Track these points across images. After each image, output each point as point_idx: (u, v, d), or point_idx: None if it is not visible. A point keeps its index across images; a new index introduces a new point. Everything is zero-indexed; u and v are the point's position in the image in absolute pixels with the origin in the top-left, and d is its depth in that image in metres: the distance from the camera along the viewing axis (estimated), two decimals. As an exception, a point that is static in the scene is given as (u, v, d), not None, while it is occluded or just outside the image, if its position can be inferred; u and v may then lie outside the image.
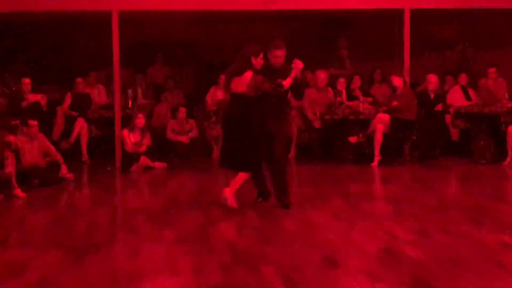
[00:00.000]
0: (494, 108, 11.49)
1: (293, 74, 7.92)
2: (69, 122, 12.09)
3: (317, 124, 12.00)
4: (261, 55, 7.95)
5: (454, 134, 12.20)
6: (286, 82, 7.85)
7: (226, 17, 13.65)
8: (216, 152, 12.45)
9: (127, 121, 11.67)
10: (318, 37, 14.93)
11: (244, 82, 7.75)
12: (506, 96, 12.19)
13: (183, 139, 12.13)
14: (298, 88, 8.35)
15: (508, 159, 11.15)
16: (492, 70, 12.18)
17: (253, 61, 7.84)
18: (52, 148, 10.36)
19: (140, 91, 13.29)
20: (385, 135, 11.43)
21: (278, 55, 8.14)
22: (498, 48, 13.77)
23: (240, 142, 7.89)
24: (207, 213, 8.06)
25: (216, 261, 6.12)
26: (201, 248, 6.58)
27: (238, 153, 7.92)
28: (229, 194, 8.05)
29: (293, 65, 7.96)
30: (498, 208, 8.15)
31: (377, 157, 11.38)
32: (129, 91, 13.08)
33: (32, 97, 11.66)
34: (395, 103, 11.55)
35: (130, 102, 12.85)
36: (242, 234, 7.11)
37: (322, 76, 12.27)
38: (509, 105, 11.81)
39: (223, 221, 7.67)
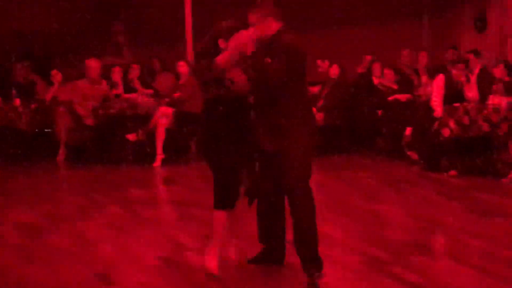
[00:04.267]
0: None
1: None
2: None
3: (89, 121, 11.83)
4: None
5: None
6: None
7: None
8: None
9: None
10: (90, 20, 14.75)
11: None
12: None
13: None
14: None
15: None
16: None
17: None
18: None
19: None
20: (168, 131, 11.53)
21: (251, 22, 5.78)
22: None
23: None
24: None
25: (-35, 288, 5.92)
26: None
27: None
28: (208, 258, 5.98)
29: None
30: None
31: (159, 156, 11.43)
32: None
33: None
34: (178, 94, 11.70)
35: None
36: (1, 254, 6.91)
37: (94, 65, 12.11)
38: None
39: (-25, 239, 7.41)
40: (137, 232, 7.63)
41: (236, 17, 5.94)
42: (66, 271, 6.32)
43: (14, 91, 12.28)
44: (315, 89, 12.46)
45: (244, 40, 5.53)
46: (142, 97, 12.11)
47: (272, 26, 5.65)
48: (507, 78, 10.04)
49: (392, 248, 6.76)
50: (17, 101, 12.12)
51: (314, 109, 11.84)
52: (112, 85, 12.30)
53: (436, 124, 10.15)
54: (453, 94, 10.33)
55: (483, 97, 10.09)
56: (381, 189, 9.48)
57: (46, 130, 12.28)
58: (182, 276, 6.14)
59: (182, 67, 11.88)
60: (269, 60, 5.48)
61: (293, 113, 5.65)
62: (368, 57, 12.83)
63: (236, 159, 5.75)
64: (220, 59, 5.51)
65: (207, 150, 5.88)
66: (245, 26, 5.68)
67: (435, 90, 10.58)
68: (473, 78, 10.46)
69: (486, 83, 10.25)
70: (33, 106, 12.17)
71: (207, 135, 5.85)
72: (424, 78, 11.88)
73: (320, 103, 12.00)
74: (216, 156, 5.77)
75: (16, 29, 14.04)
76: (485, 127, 9.73)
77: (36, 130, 12.25)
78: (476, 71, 10.53)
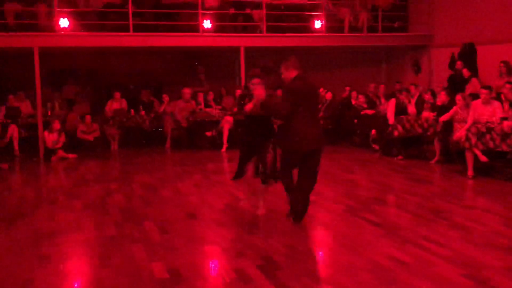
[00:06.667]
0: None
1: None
2: (4, 127, 11.31)
3: (184, 124, 11.93)
4: None
5: (276, 127, 12.46)
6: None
7: (118, 51, 13.27)
8: (113, 145, 12.09)
9: (47, 125, 11.07)
10: (184, 65, 14.81)
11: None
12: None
13: (89, 137, 11.69)
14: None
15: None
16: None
17: None
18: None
19: (57, 104, 12.66)
20: (230, 130, 11.55)
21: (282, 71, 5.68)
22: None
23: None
24: (106, 188, 7.84)
25: (111, 220, 6.01)
26: (100, 212, 6.42)
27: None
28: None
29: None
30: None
31: (225, 145, 11.46)
32: (49, 104, 12.45)
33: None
34: (235, 109, 11.71)
35: (49, 112, 12.23)
36: (131, 200, 7.01)
37: (187, 91, 12.17)
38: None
39: (117, 192, 7.50)
40: (211, 189, 7.69)
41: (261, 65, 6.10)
42: (169, 211, 6.40)
43: (141, 106, 12.40)
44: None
45: (260, 95, 5.48)
46: (215, 111, 12.14)
47: (292, 74, 5.54)
48: (432, 101, 9.91)
49: (361, 201, 6.75)
50: (143, 112, 12.24)
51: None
52: (197, 103, 12.37)
53: (390, 128, 10.06)
54: (400, 110, 10.22)
55: (419, 112, 9.97)
56: (355, 166, 9.42)
57: (159, 129, 12.39)
58: (237, 215, 6.19)
59: (238, 92, 11.88)
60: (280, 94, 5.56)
61: (292, 126, 5.41)
62: (348, 88, 12.75)
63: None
64: (247, 107, 5.67)
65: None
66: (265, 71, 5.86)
67: (389, 108, 10.48)
68: (413, 101, 10.34)
69: (420, 104, 10.13)
70: (152, 115, 12.28)
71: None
72: (382, 101, 11.78)
73: (320, 114, 11.92)
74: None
75: (141, 70, 14.17)
76: (419, 130, 9.62)
77: (153, 129, 12.37)
78: (415, 96, 10.39)
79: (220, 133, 11.64)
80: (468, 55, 11.50)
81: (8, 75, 12.88)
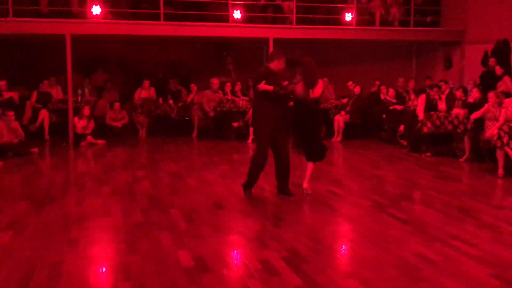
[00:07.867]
0: (325, 104, 11.83)
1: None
2: (35, 112, 11.54)
3: (211, 114, 11.97)
4: None
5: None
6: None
7: (148, 39, 13.35)
8: (141, 133, 12.20)
9: (77, 111, 11.24)
10: (212, 55, 14.84)
11: (320, 88, 6.46)
12: (334, 97, 12.64)
13: (118, 124, 11.83)
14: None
15: (334, 137, 11.57)
16: (324, 80, 12.41)
17: None
18: (21, 131, 10.00)
19: (87, 91, 12.83)
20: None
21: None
22: (331, 66, 14.07)
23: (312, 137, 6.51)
24: (134, 175, 7.92)
25: (139, 207, 6.07)
26: (128, 199, 6.49)
27: (311, 146, 6.52)
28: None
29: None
30: (329, 169, 8.46)
31: (251, 136, 11.37)
32: (79, 91, 12.63)
33: (8, 94, 11.10)
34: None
35: (79, 98, 12.41)
36: (158, 188, 7.07)
37: (215, 81, 12.21)
38: (335, 103, 12.24)
39: (145, 180, 7.57)
40: (236, 179, 7.60)
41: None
42: (195, 200, 6.43)
43: (169, 95, 12.47)
44: (345, 100, 12.30)
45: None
46: (242, 101, 12.14)
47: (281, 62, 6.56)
48: (463, 98, 9.72)
49: (389, 197, 6.67)
50: (171, 101, 12.31)
51: (343, 112, 11.79)
52: (225, 94, 12.38)
53: (419, 124, 9.91)
54: (430, 106, 10.06)
55: (449, 108, 9.79)
56: (382, 162, 9.30)
57: (186, 118, 12.46)
58: (263, 207, 6.19)
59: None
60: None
61: (256, 110, 6.52)
62: (377, 82, 12.59)
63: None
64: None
65: None
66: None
67: (419, 104, 10.32)
68: (443, 97, 10.16)
69: (451, 100, 9.95)
70: (180, 104, 12.34)
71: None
72: (412, 96, 11.61)
73: (348, 109, 11.83)
74: None
75: (170, 59, 14.24)
76: (449, 127, 9.46)
77: (181, 118, 12.44)
78: (446, 92, 10.22)
79: (247, 124, 11.63)
80: (502, 52, 11.24)
81: (40, 61, 13.10)
